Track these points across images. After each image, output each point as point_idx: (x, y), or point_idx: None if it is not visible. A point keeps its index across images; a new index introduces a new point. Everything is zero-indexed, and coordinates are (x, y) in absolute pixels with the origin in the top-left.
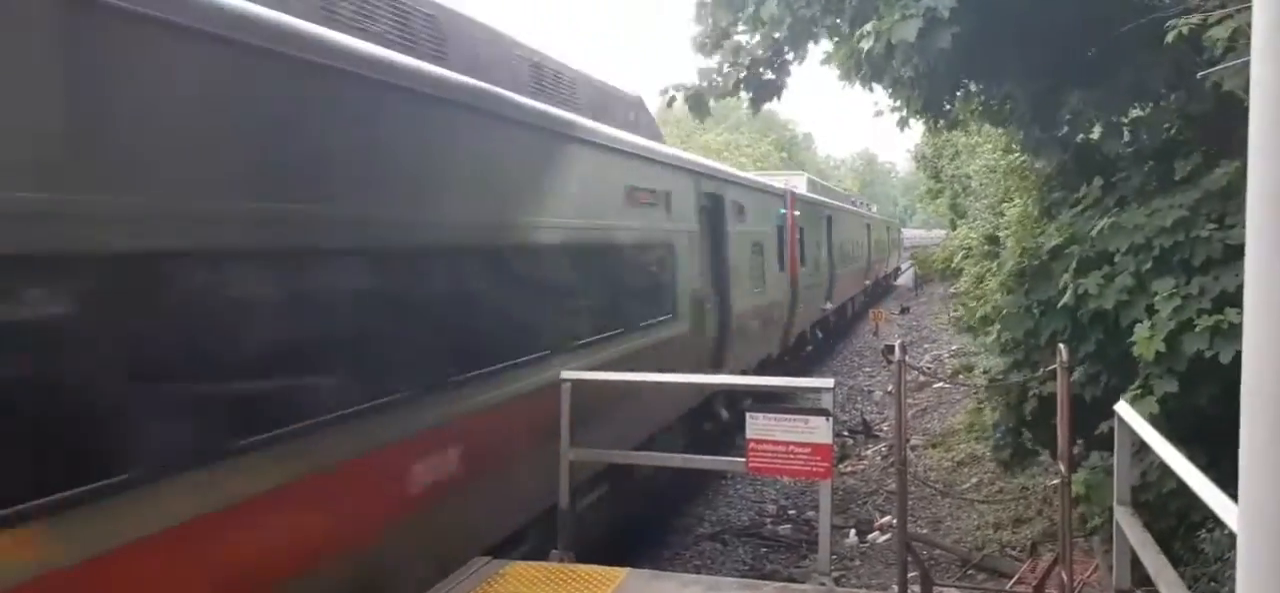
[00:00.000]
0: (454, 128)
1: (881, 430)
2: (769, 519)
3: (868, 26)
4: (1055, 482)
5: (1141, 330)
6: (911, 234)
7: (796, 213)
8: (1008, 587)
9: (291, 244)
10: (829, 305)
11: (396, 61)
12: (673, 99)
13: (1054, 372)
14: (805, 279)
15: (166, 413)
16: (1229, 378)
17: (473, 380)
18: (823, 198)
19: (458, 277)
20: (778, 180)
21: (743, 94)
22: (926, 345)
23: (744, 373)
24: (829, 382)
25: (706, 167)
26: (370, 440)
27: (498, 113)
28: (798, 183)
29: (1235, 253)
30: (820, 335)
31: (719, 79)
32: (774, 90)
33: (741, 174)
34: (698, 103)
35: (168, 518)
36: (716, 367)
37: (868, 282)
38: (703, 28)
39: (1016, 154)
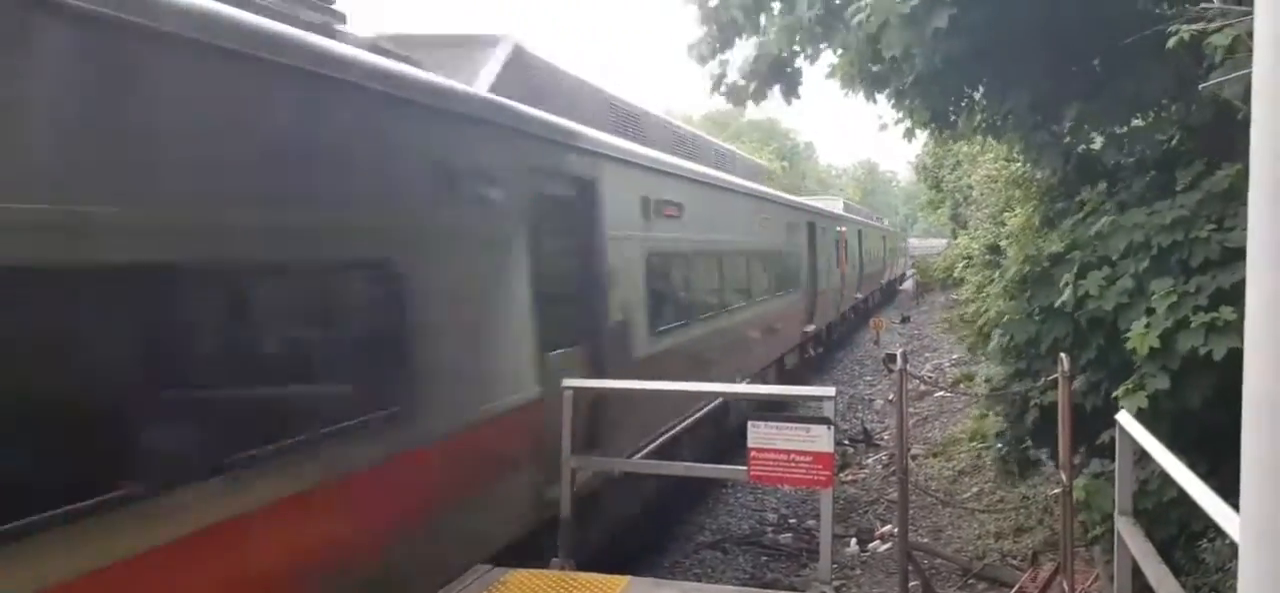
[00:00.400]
0: (768, 212)
1: (882, 439)
2: (770, 528)
3: (865, 4)
4: (1056, 491)
5: (1137, 326)
6: (912, 243)
7: (843, 228)
8: None
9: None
10: (859, 295)
11: (760, 187)
12: (718, 82)
13: (1055, 381)
14: (848, 275)
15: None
16: (1220, 379)
17: (750, 302)
18: (855, 217)
19: (754, 262)
20: (823, 204)
21: (771, 92)
22: (927, 354)
23: (819, 331)
24: (830, 390)
25: (810, 205)
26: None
27: (775, 200)
28: (837, 205)
29: (1233, 255)
30: (853, 316)
31: (740, 82)
32: (792, 88)
33: (822, 206)
34: (736, 95)
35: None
36: (809, 319)
37: (884, 280)
38: (707, 30)
39: (1018, 164)
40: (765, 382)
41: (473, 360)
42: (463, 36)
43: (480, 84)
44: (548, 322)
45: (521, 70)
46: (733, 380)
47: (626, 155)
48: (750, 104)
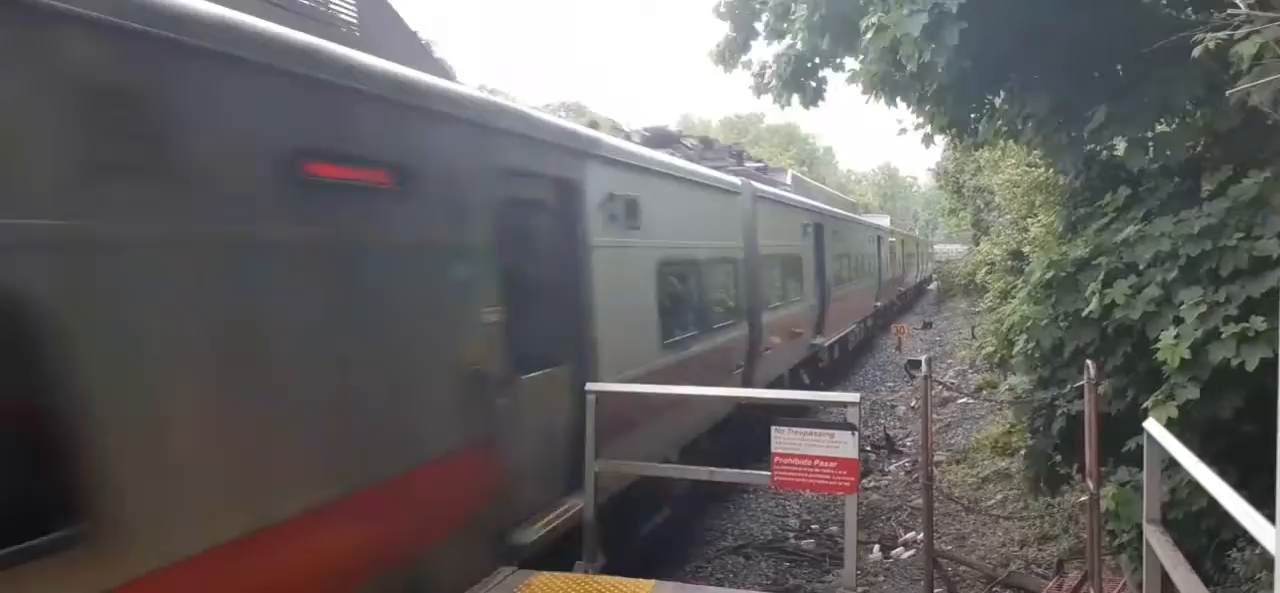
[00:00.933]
0: (867, 230)
1: (904, 446)
2: (792, 533)
3: (874, 17)
4: (1083, 499)
5: (1166, 337)
6: (935, 249)
7: (892, 238)
8: None
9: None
10: (902, 287)
11: (862, 217)
12: (761, 82)
13: (1081, 389)
14: (896, 270)
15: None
16: (1252, 388)
17: (857, 281)
18: (898, 229)
19: (859, 261)
20: (878, 220)
21: (791, 98)
22: (949, 361)
23: (883, 308)
24: (855, 396)
25: (878, 223)
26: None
27: (867, 223)
28: (886, 221)
29: (1263, 264)
30: (898, 302)
31: (763, 82)
32: (817, 95)
33: (883, 224)
34: (762, 89)
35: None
36: (877, 298)
37: (916, 278)
38: (725, 35)
39: (1040, 169)
40: (863, 328)
41: (806, 292)
42: (772, 167)
43: (788, 190)
44: (819, 280)
45: (797, 182)
46: (859, 316)
47: (831, 214)
48: (770, 110)
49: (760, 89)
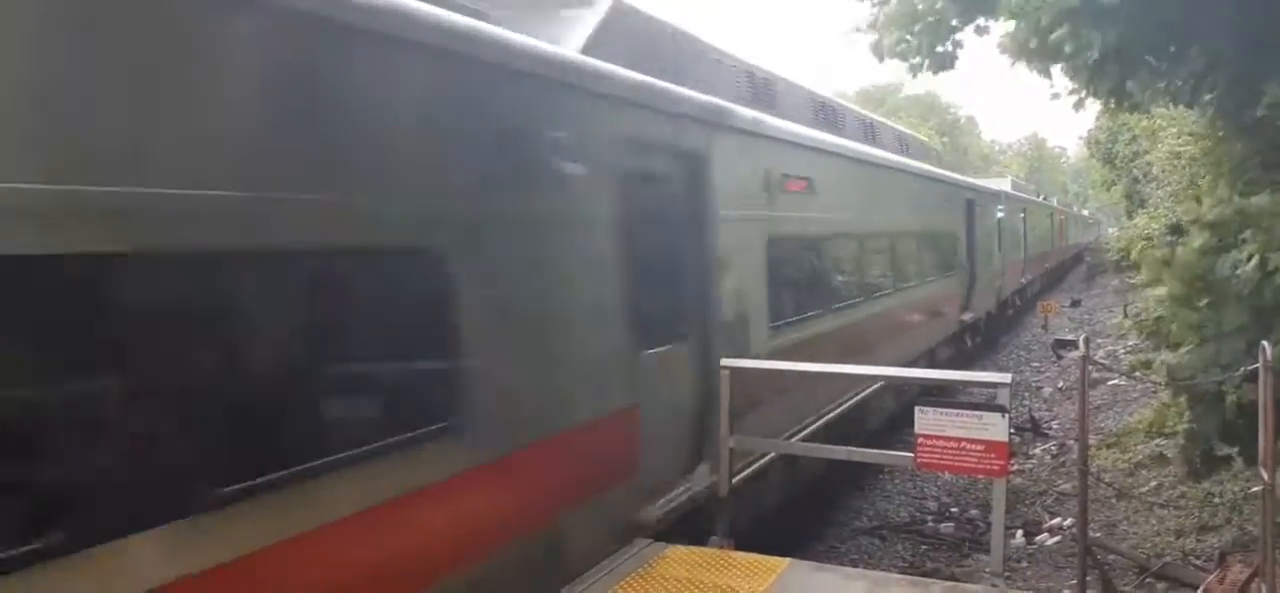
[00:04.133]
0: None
1: (1050, 428)
2: (930, 516)
3: None
4: (1257, 489)
5: None
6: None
7: (1063, 216)
8: None
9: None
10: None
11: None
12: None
13: (1253, 373)
14: (1066, 241)
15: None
16: None
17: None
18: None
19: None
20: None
21: (918, 62)
22: (1099, 340)
23: (1050, 270)
24: (1006, 376)
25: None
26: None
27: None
28: (1055, 200)
29: None
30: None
31: (889, 40)
32: (947, 61)
33: (1056, 205)
34: (878, 51)
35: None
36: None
37: (1073, 246)
38: None
39: (1207, 139)
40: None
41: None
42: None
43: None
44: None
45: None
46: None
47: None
48: (908, 79)
49: (880, 51)
